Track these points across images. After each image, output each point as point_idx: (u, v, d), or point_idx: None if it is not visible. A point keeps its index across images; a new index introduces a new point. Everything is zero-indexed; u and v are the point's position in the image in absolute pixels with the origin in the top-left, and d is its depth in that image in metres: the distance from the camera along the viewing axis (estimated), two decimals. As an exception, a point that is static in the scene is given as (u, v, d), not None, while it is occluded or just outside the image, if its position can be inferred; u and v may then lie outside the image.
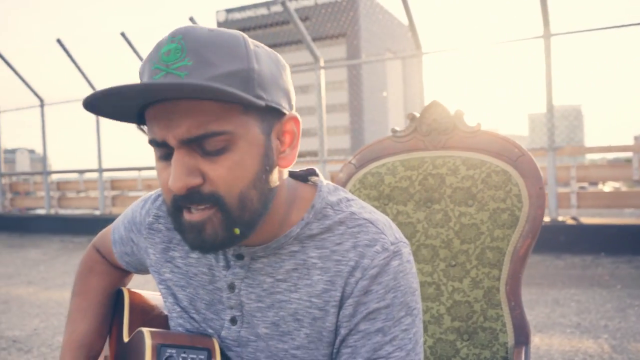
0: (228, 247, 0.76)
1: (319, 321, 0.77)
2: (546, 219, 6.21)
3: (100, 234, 1.07)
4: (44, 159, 10.20)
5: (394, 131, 1.54)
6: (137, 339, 0.81)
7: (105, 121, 9.38)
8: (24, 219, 10.51)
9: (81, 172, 10.67)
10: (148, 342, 0.76)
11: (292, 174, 0.85)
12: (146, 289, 1.11)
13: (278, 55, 0.77)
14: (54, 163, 10.15)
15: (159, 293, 0.93)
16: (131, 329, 0.93)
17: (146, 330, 0.79)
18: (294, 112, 0.78)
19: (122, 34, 8.11)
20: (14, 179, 13.07)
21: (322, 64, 7.48)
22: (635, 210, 7.71)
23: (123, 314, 0.97)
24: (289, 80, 0.77)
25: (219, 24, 62.76)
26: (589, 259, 5.52)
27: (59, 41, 8.62)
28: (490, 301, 1.30)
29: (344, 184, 1.53)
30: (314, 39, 7.74)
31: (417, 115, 1.51)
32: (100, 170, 9.56)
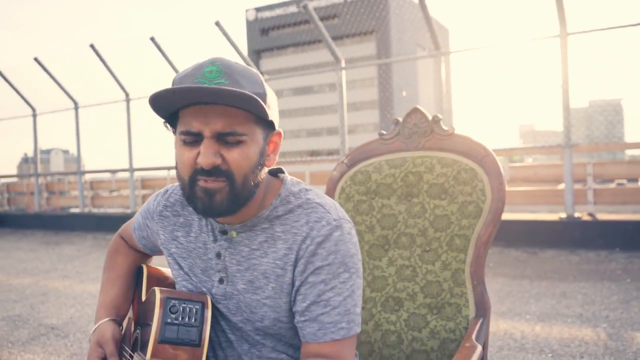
0: (225, 215, 1.01)
1: (280, 277, 1.03)
2: (562, 215, 6.30)
3: (124, 225, 1.35)
4: (77, 160, 10.67)
5: (380, 134, 1.75)
6: (151, 295, 1.06)
7: (135, 123, 9.79)
8: (59, 217, 11.00)
9: (113, 171, 11.12)
10: (158, 296, 1.01)
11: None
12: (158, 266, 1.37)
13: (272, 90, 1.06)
14: (87, 163, 10.58)
15: (168, 268, 1.19)
16: (148, 291, 1.17)
17: (157, 288, 1.04)
18: (279, 129, 1.07)
19: (152, 39, 8.46)
20: (49, 178, 13.66)
21: (343, 64, 7.68)
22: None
23: (142, 284, 1.23)
24: (277, 108, 1.08)
25: (249, 23, 63.32)
26: (604, 254, 5.60)
27: (92, 46, 9.04)
28: (457, 281, 1.50)
29: (336, 181, 1.75)
30: (344, 36, 7.96)
31: (400, 120, 1.72)
32: (132, 169, 9.96)
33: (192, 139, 0.97)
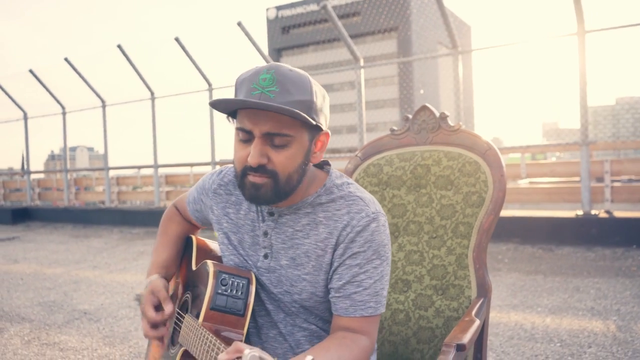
0: (269, 205, 1.18)
1: (320, 257, 1.18)
2: (579, 212, 6.35)
3: (178, 197, 1.54)
4: (104, 156, 11.00)
5: (392, 130, 1.90)
6: (203, 267, 1.22)
7: (160, 121, 10.06)
8: (87, 211, 11.35)
9: (139, 167, 11.43)
10: (211, 269, 1.17)
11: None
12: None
13: (324, 91, 1.20)
14: (112, 160, 10.86)
15: (215, 242, 1.37)
16: (197, 261, 1.36)
17: (210, 262, 1.20)
18: (327, 129, 1.20)
19: (177, 39, 8.70)
20: (75, 174, 14.04)
21: (362, 63, 7.81)
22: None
23: (192, 253, 1.40)
24: (328, 108, 1.20)
25: (269, 22, 63.58)
26: (620, 251, 5.65)
27: (119, 47, 9.32)
28: (460, 264, 1.64)
29: (351, 174, 1.91)
30: (365, 34, 8.04)
31: (410, 117, 1.86)
32: (156, 166, 10.24)
33: (246, 137, 1.12)
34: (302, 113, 1.07)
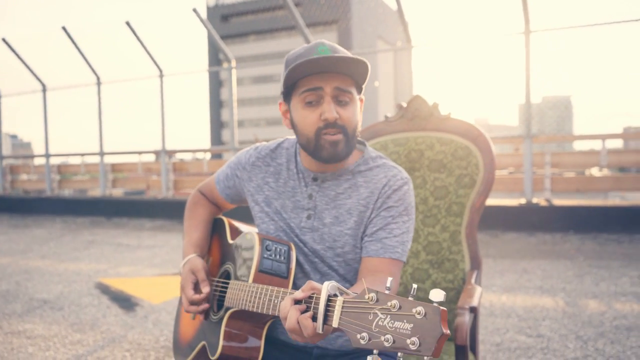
0: (342, 160, 1.31)
1: (362, 213, 1.33)
2: (521, 200, 6.77)
3: (202, 183, 1.62)
4: (45, 143, 10.54)
5: (386, 117, 2.02)
6: (245, 237, 1.31)
7: (108, 108, 9.76)
8: (25, 200, 10.86)
9: (82, 155, 11.03)
10: (256, 237, 1.26)
11: None
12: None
13: None
14: (51, 147, 10.41)
15: (241, 222, 1.49)
16: (232, 236, 1.44)
17: (253, 231, 1.30)
18: (362, 95, 1.37)
19: (127, 23, 8.46)
20: (12, 161, 13.37)
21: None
22: (618, 193, 8.29)
23: (224, 230, 1.48)
24: None
25: (209, 9, 62.27)
26: (559, 236, 6.09)
27: (64, 28, 8.95)
28: (454, 240, 1.80)
29: (347, 157, 2.02)
30: (307, 25, 8.10)
31: (404, 105, 1.99)
32: (102, 153, 9.94)
33: (314, 97, 1.25)
34: (367, 63, 1.23)
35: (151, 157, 10.74)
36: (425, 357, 0.79)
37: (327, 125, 1.24)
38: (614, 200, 10.49)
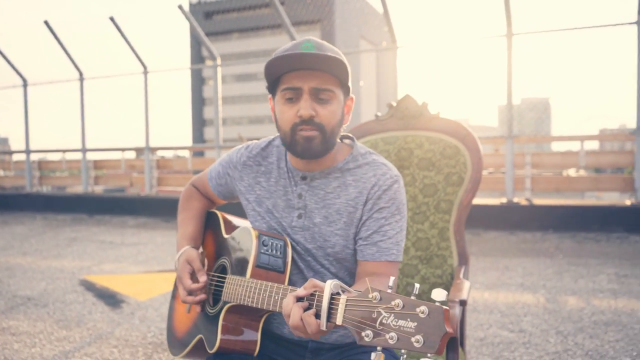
0: (317, 157, 1.30)
1: (352, 214, 1.34)
2: (502, 200, 6.89)
3: (196, 177, 1.62)
4: (26, 139, 10.39)
5: (376, 116, 2.07)
6: (241, 232, 1.34)
7: (90, 104, 9.66)
8: (2, 196, 10.70)
9: (64, 151, 10.89)
10: (252, 232, 1.29)
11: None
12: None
13: None
14: (35, 143, 10.29)
15: (234, 216, 1.49)
16: (227, 231, 1.46)
17: (249, 226, 1.32)
18: (352, 95, 1.37)
19: (111, 19, 8.38)
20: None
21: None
22: (593, 193, 8.47)
23: (218, 224, 1.50)
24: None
25: (192, 6, 61.70)
26: (539, 235, 6.21)
27: (46, 23, 8.83)
28: (442, 237, 1.85)
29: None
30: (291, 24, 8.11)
31: (394, 104, 2.04)
32: (84, 150, 9.83)
33: (293, 95, 1.26)
34: (346, 63, 1.25)
35: (132, 154, 10.64)
36: (428, 355, 0.83)
37: (302, 121, 1.26)
38: (590, 200, 10.73)
